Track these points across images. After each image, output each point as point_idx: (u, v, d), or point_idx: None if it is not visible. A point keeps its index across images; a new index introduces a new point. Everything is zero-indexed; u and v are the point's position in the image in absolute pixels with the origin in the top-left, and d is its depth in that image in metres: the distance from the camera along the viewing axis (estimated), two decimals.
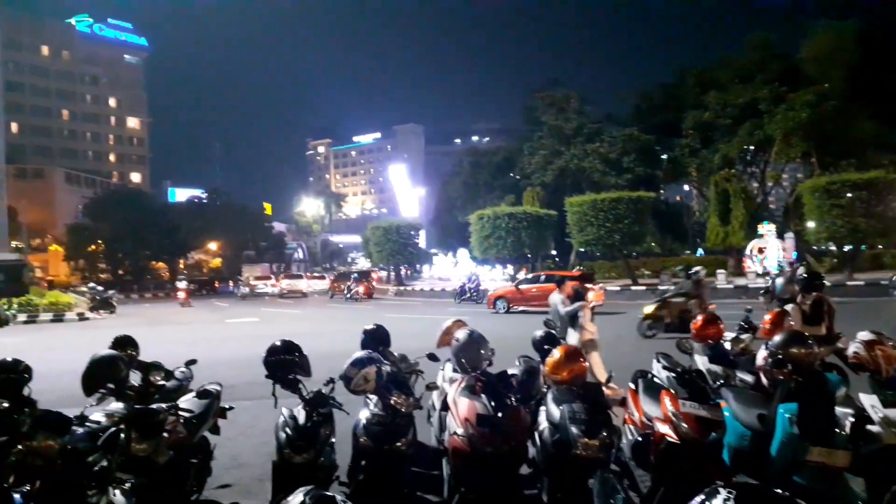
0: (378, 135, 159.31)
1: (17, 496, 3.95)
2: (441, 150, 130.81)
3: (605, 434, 4.02)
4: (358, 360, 4.62)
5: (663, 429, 4.45)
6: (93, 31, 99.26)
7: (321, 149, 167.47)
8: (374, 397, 4.60)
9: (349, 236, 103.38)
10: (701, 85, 41.10)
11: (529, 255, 38.26)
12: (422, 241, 52.61)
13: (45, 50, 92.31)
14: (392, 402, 4.47)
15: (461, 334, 5.03)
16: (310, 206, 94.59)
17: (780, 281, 9.75)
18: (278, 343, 4.79)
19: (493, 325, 18.53)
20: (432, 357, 5.75)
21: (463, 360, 4.85)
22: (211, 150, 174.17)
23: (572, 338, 8.33)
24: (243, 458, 6.46)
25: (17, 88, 79.78)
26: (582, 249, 38.32)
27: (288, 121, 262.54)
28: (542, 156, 44.35)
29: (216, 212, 72.62)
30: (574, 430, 4.00)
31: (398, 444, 4.35)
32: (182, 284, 37.77)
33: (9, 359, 4.43)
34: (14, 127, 79.17)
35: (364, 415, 4.55)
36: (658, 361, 5.95)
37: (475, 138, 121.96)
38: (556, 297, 9.09)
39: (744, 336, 6.91)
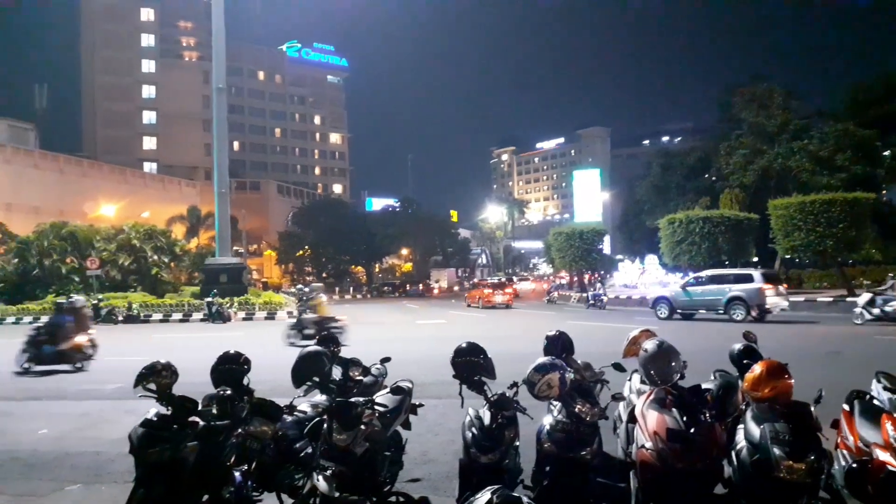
0: (562, 140, 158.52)
1: (237, 474, 4.50)
2: (628, 152, 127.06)
3: (812, 458, 3.68)
4: (541, 365, 4.63)
5: (884, 456, 3.97)
6: (301, 55, 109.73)
7: (505, 156, 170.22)
8: (557, 404, 4.58)
9: (531, 242, 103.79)
10: None
11: (727, 262, 35.81)
12: (606, 247, 51.34)
13: (261, 75, 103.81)
14: (576, 409, 4.44)
15: (650, 345, 4.85)
16: (493, 213, 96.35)
17: None
18: (464, 345, 4.95)
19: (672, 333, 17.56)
20: (618, 367, 5.61)
21: (652, 372, 4.67)
22: (403, 162, 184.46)
23: None
24: (432, 454, 6.75)
25: (238, 111, 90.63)
26: (788, 256, 35.09)
27: (474, 130, 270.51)
28: (741, 155, 41.37)
29: (407, 219, 76.57)
30: (777, 451, 3.71)
31: (583, 452, 4.30)
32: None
33: (231, 351, 5.03)
34: (236, 145, 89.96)
35: (548, 421, 4.56)
36: (879, 381, 5.30)
37: (665, 139, 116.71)
38: None
39: None
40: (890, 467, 3.94)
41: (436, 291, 65.99)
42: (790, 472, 3.63)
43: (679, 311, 25.04)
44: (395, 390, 5.14)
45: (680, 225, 34.85)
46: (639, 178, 60.00)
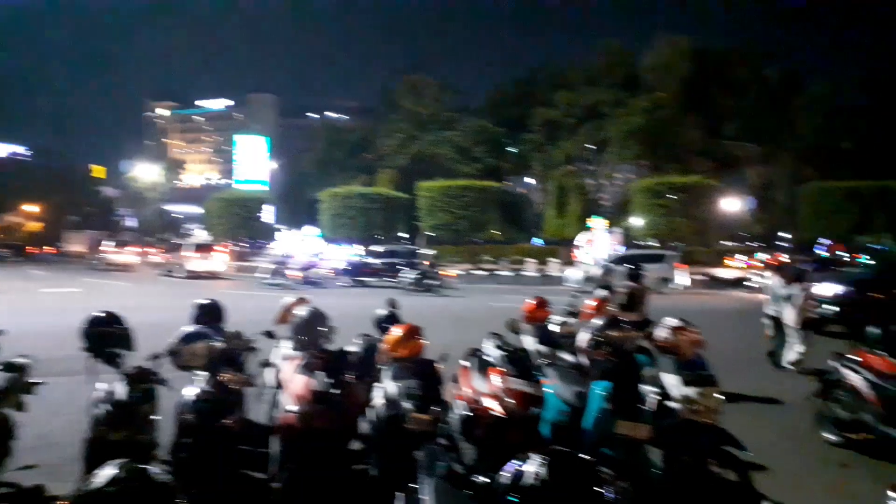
0: (229, 102, 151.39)
1: None
2: (296, 122, 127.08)
3: (436, 409, 4.16)
4: (187, 335, 4.44)
5: (490, 404, 4.68)
6: None
7: (162, 112, 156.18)
8: (202, 374, 4.43)
9: (189, 207, 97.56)
10: (551, 84, 43.25)
11: (380, 236, 38.38)
12: (269, 216, 50.90)
13: None
14: (222, 378, 4.33)
15: (301, 311, 4.97)
16: (145, 172, 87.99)
17: (600, 271, 10.38)
18: (98, 313, 4.46)
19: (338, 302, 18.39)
20: (269, 334, 5.63)
21: (301, 338, 4.79)
22: (37, 106, 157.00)
23: (789, 316, 10.15)
24: (53, 437, 5.96)
25: None
26: (432, 234, 39.07)
27: (130, 79, 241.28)
28: (397, 139, 44.64)
29: (38, 172, 65.63)
30: (407, 405, 4.10)
31: (226, 420, 4.22)
32: None
33: None
34: None
35: (190, 391, 4.37)
36: (490, 340, 6.23)
37: (332, 114, 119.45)
38: (776, 280, 10.75)
39: (570, 320, 7.42)
40: (494, 413, 4.66)
41: (70, 255, 57.79)
42: (417, 424, 4.05)
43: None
44: (7, 367, 4.40)
45: (340, 199, 36.30)
46: (305, 151, 60.59)
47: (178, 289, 24.83)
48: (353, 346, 5.69)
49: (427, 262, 26.13)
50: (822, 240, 35.19)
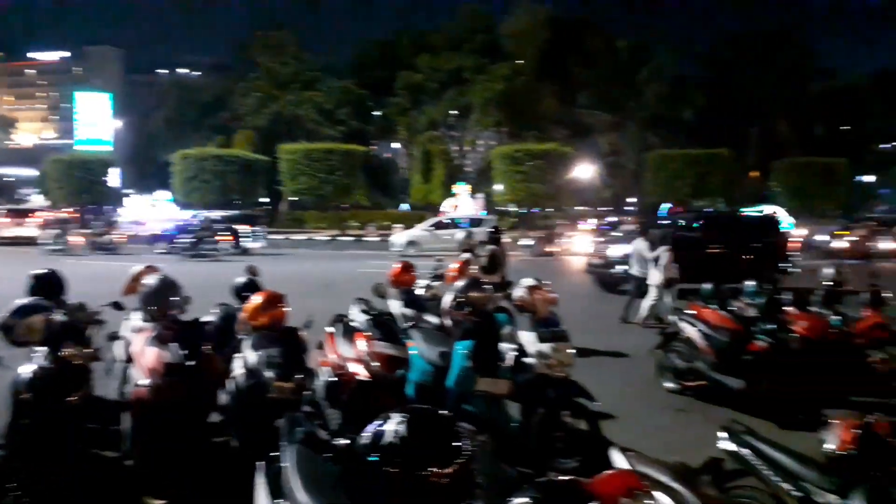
0: (65, 54, 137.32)
1: None
2: (143, 79, 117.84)
3: (300, 377, 4.10)
4: (20, 307, 4.06)
5: (356, 368, 4.69)
6: None
7: None
8: (42, 349, 4.08)
9: (23, 169, 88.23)
10: (415, 47, 43.03)
11: (237, 201, 36.87)
12: (115, 179, 47.16)
13: None
14: (64, 353, 4.01)
15: (150, 280, 4.69)
16: None
17: (462, 234, 10.62)
18: None
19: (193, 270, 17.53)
20: (117, 306, 5.28)
21: (151, 308, 4.52)
22: None
23: (654, 277, 10.81)
24: None
25: None
26: (294, 198, 38.07)
27: None
28: (255, 98, 42.71)
29: None
30: (269, 373, 4.00)
31: (70, 398, 3.93)
32: None
33: None
34: None
35: (27, 369, 4.01)
36: (356, 306, 6.21)
37: (183, 71, 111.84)
38: (641, 244, 11.53)
39: (434, 283, 7.55)
40: (360, 377, 4.67)
41: None
42: (280, 392, 3.97)
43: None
44: None
45: (193, 161, 34.37)
46: (154, 109, 56.54)
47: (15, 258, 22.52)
48: (210, 316, 5.48)
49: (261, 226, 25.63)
50: (664, 204, 38.17)
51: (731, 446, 3.45)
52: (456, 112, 43.62)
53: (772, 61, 45.00)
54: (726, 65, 47.52)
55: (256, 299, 4.61)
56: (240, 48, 48.51)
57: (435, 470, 1.50)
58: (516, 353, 5.32)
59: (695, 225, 15.51)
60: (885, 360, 7.09)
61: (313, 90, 42.40)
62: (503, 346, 5.20)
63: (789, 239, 18.37)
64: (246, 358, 4.35)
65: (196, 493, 3.84)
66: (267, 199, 44.44)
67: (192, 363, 4.05)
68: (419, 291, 7.06)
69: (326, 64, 49.42)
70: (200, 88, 54.04)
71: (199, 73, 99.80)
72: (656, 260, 11.02)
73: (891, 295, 7.66)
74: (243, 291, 5.82)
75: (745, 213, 21.97)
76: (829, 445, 2.57)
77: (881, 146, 58.15)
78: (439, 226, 25.55)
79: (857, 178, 59.80)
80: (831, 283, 7.70)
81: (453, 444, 1.59)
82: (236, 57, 49.65)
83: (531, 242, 27.26)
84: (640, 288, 11.30)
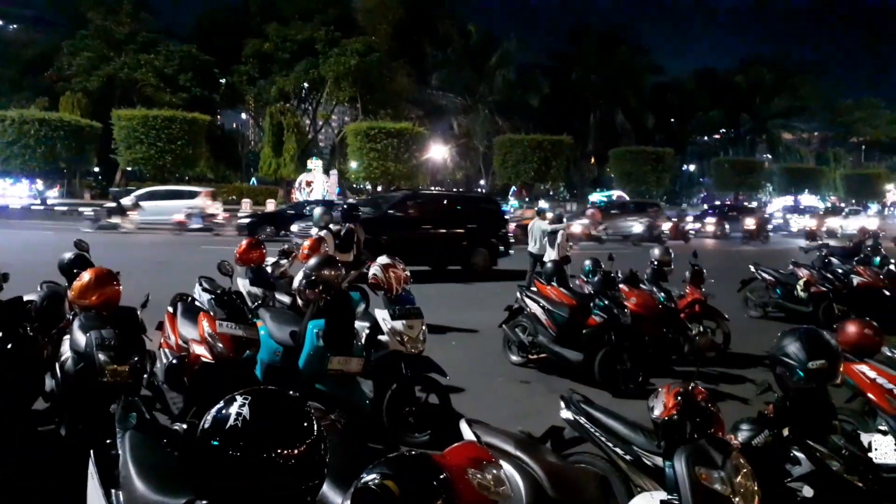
0: None
1: None
2: None
3: (136, 359, 3.82)
4: None
5: (199, 350, 4.46)
6: None
7: None
8: None
9: None
10: (263, 14, 41.23)
11: (65, 170, 33.58)
12: None
13: None
14: None
15: None
16: None
17: (317, 211, 10.49)
18: None
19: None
20: None
21: None
22: None
23: (551, 254, 11.05)
24: None
25: None
26: (130, 168, 35.34)
27: None
28: (86, 58, 38.78)
29: None
30: (102, 356, 3.69)
31: None
32: None
33: None
34: None
35: None
36: (200, 285, 5.90)
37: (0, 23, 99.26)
38: (540, 222, 12.16)
39: (283, 261, 7.34)
40: (203, 359, 4.44)
41: None
42: (114, 375, 3.67)
43: None
44: None
45: (13, 125, 30.75)
46: None
47: None
48: (33, 295, 4.99)
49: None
50: (514, 187, 39.78)
51: (570, 415, 3.68)
52: (307, 85, 42.34)
53: (608, 57, 48.10)
54: (568, 58, 50.14)
55: (86, 276, 4.23)
56: (66, 3, 43.70)
57: (280, 451, 1.45)
58: (370, 331, 5.32)
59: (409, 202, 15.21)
60: (702, 332, 7.90)
61: (152, 53, 39.29)
62: (357, 324, 5.18)
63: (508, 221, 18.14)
64: (75, 339, 3.99)
65: (20, 486, 3.50)
66: (97, 169, 40.83)
67: (10, 346, 3.66)
68: (269, 269, 6.84)
69: (168, 26, 45.99)
70: (22, 44, 48.09)
71: (20, 26, 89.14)
72: (554, 236, 11.39)
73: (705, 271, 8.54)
74: (72, 268, 5.32)
75: (464, 193, 22.12)
76: (655, 412, 2.81)
77: (703, 138, 64.42)
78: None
79: (684, 167, 65.73)
80: (656, 263, 8.40)
81: (300, 424, 1.54)
82: (63, 11, 44.63)
83: None
84: (537, 265, 11.69)
